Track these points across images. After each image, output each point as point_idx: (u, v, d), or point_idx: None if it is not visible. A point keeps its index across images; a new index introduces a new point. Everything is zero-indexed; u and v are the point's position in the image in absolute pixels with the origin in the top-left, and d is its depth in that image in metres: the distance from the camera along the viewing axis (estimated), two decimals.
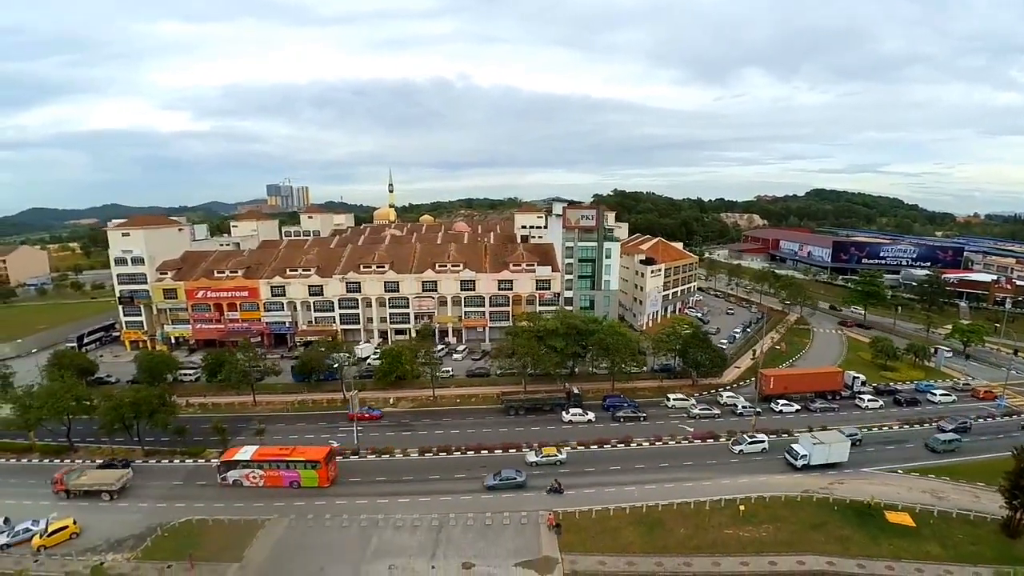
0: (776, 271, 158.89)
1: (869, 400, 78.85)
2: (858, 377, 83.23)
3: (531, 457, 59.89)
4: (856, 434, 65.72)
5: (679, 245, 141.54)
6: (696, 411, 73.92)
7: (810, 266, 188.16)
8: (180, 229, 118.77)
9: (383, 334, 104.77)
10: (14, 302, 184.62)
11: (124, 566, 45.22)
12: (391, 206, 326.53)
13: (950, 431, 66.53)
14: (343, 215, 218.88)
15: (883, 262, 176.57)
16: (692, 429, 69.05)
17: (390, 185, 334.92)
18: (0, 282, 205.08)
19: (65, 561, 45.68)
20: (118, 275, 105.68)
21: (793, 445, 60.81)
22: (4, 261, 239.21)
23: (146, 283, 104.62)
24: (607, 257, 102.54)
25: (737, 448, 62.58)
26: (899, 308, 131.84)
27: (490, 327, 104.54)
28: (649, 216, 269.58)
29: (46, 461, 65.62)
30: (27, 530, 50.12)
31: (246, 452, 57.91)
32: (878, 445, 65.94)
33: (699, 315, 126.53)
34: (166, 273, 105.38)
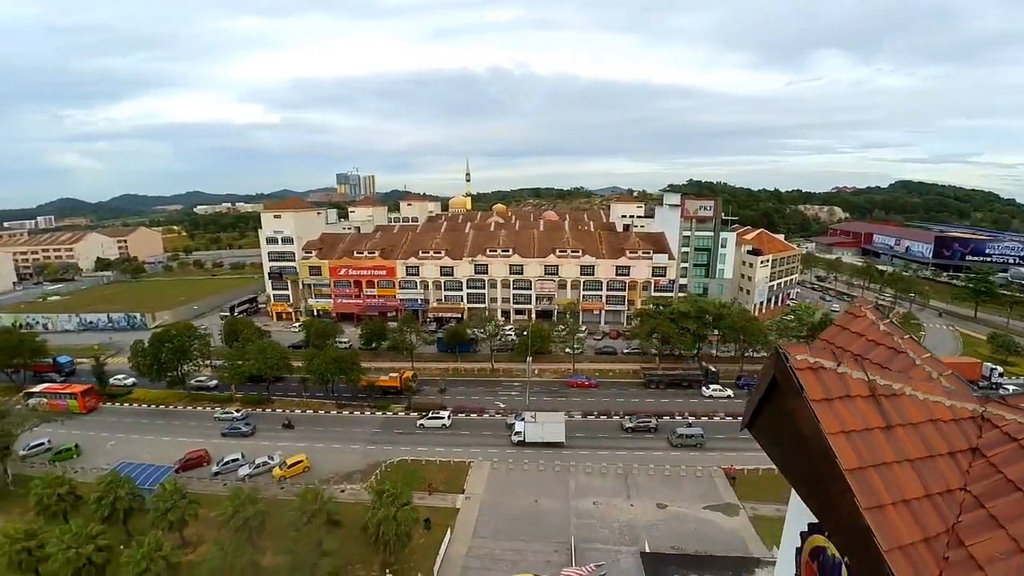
0: (878, 267, 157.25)
1: (1014, 389, 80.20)
2: (995, 368, 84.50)
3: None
4: None
5: (780, 237, 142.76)
6: None
7: (908, 262, 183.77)
8: (318, 213, 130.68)
9: (505, 313, 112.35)
10: (144, 278, 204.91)
11: (362, 494, 53.93)
12: (467, 195, 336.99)
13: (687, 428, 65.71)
14: (433, 203, 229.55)
15: (988, 259, 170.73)
16: None
17: (467, 175, 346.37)
18: (129, 260, 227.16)
19: (305, 490, 54.73)
20: (268, 253, 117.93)
21: (515, 422, 64.45)
22: (126, 241, 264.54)
23: (293, 261, 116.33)
24: (722, 246, 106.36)
25: (419, 423, 68.56)
26: (1012, 306, 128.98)
27: (606, 310, 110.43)
28: (727, 207, 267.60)
29: (248, 410, 76.59)
30: (265, 463, 60.12)
31: (39, 387, 78.84)
32: None
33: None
34: (310, 252, 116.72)
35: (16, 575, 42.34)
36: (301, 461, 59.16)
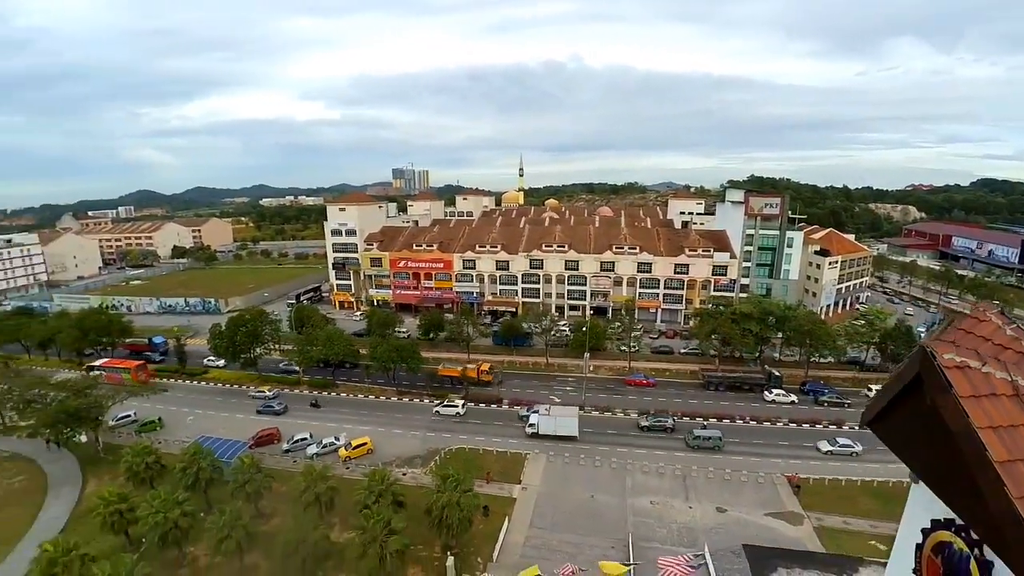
0: (958, 271, 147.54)
1: None
2: None
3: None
4: None
5: (850, 237, 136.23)
6: None
7: (991, 267, 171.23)
8: (380, 207, 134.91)
9: (559, 309, 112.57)
10: (216, 265, 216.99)
11: (422, 478, 55.79)
12: (520, 190, 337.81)
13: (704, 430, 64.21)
14: (487, 198, 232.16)
15: None
16: None
17: (520, 169, 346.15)
18: (203, 248, 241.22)
19: (373, 471, 56.74)
20: (333, 244, 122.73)
21: (529, 415, 66.51)
22: (200, 231, 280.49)
23: (356, 252, 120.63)
24: (788, 246, 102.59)
25: (435, 410, 71.82)
26: None
27: (662, 308, 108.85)
28: (792, 205, 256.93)
29: (314, 392, 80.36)
30: (332, 443, 63.01)
31: (99, 362, 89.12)
32: None
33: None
34: (372, 244, 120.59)
35: (108, 535, 46.35)
36: (365, 443, 61.75)
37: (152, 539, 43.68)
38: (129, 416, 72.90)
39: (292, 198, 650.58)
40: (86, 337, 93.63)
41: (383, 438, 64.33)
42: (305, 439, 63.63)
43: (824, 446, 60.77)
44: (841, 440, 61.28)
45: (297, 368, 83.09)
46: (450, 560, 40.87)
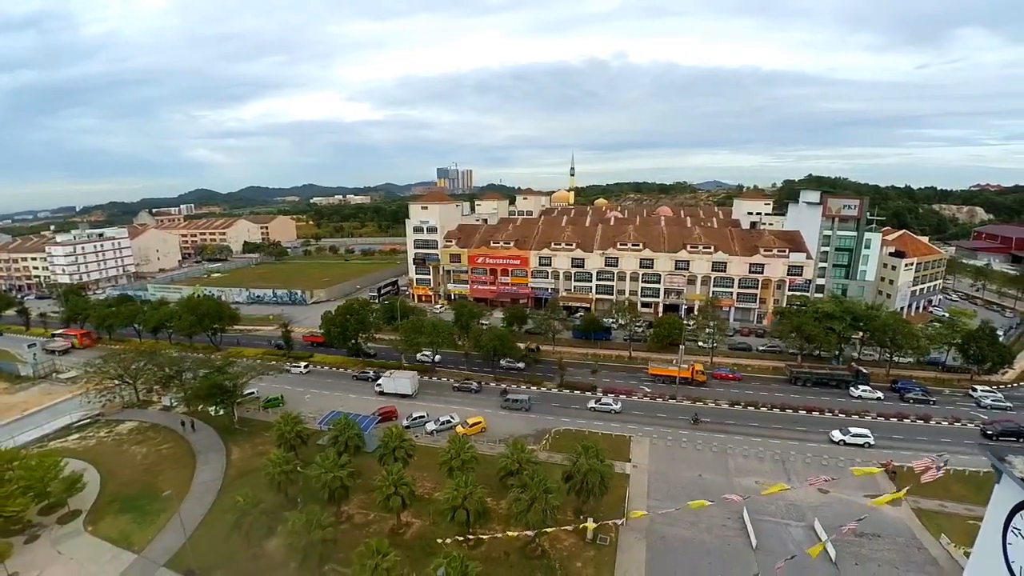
0: None
1: None
2: None
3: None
4: None
5: (924, 239, 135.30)
6: (988, 401, 75.32)
7: None
8: (457, 205, 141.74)
9: (632, 305, 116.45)
10: (287, 260, 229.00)
11: (540, 454, 60.94)
12: (571, 189, 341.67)
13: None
14: (544, 197, 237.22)
15: None
16: (986, 416, 71.36)
17: (571, 169, 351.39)
18: (274, 244, 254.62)
19: (514, 442, 55.63)
20: (414, 240, 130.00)
21: (379, 377, 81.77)
22: (267, 228, 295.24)
23: (436, 248, 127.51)
24: (866, 247, 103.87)
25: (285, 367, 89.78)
26: None
27: (735, 307, 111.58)
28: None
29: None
30: (448, 421, 69.12)
31: (59, 331, 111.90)
32: None
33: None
34: (451, 241, 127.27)
35: (272, 493, 53.30)
36: (480, 422, 67.73)
37: (323, 496, 50.26)
38: (253, 393, 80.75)
39: (341, 197, 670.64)
40: (200, 322, 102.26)
41: (491, 418, 70.16)
42: (423, 416, 70.10)
43: None
44: None
45: (437, 359, 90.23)
46: (589, 521, 46.08)
